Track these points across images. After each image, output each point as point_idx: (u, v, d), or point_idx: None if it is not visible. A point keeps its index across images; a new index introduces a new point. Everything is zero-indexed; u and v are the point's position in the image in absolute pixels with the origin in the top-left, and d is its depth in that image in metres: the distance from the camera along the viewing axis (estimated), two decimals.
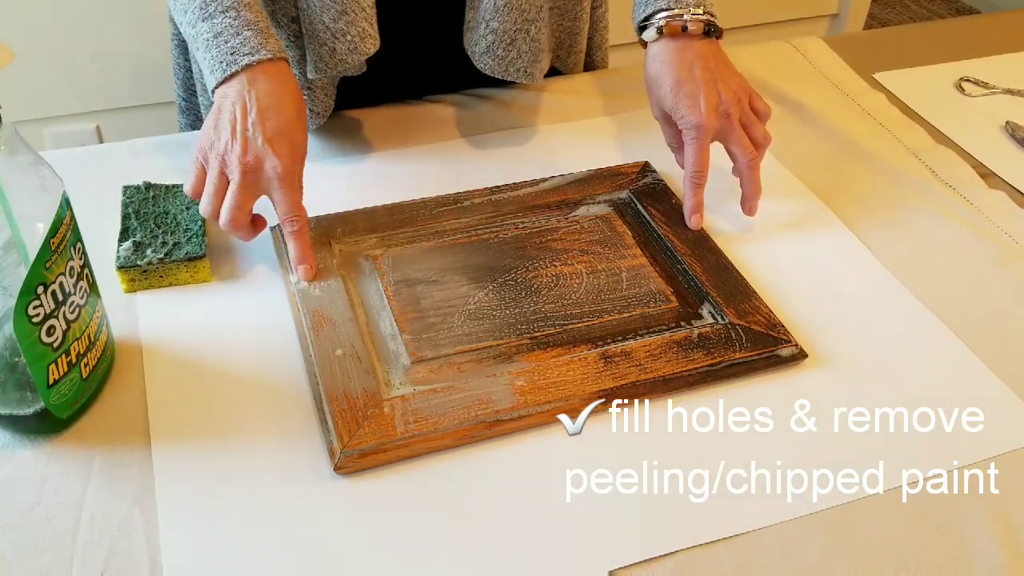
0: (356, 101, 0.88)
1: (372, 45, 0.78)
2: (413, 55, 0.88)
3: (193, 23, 0.70)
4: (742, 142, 0.75)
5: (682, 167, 0.76)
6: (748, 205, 0.76)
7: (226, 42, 0.68)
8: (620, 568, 0.52)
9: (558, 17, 0.90)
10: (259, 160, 0.65)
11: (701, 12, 0.78)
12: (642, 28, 0.81)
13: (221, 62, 0.68)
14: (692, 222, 0.74)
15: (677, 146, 0.78)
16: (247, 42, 0.68)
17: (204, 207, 0.66)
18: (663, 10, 0.78)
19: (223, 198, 0.65)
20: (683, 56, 0.77)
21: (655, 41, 0.79)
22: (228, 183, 0.66)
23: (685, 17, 0.77)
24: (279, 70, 0.69)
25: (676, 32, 0.78)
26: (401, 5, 0.82)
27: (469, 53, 0.83)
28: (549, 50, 0.87)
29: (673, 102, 0.76)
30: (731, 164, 0.76)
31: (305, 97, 0.79)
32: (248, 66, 0.67)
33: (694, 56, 0.77)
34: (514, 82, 0.85)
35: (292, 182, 0.66)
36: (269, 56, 0.68)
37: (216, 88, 0.68)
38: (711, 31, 0.78)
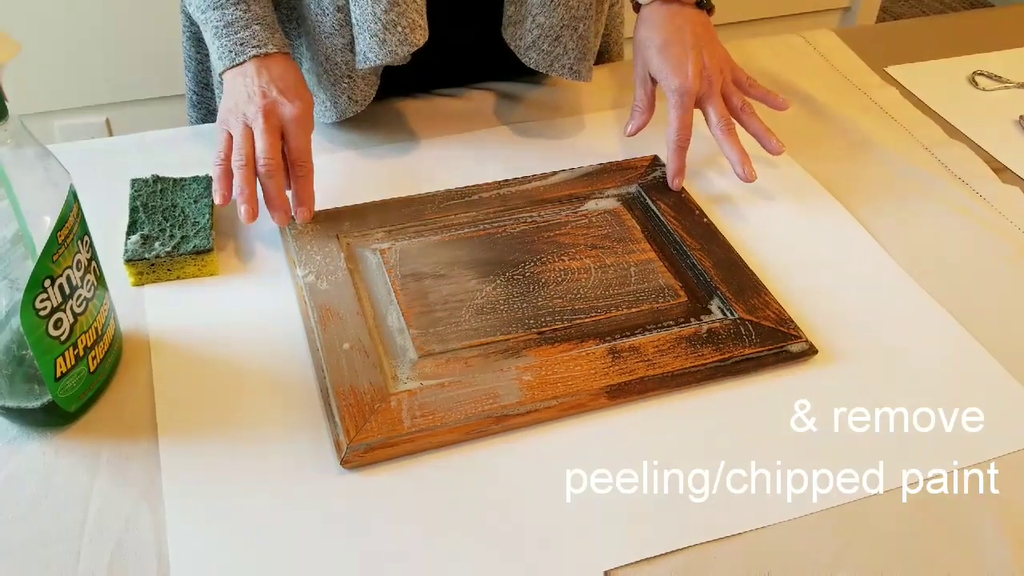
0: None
1: (422, 36, 0.78)
2: (453, 45, 0.88)
3: (203, 9, 0.75)
4: (719, 107, 0.77)
5: (631, 131, 0.80)
6: (738, 171, 0.76)
7: (236, 33, 0.74)
8: (617, 568, 0.51)
9: (610, 20, 0.92)
10: (275, 103, 0.71)
11: None
12: None
13: (230, 51, 0.74)
14: (674, 184, 0.76)
15: (645, 108, 0.80)
16: (256, 35, 0.74)
17: (236, 157, 0.69)
18: None
19: (252, 145, 0.69)
20: (673, 21, 0.80)
21: (648, 4, 0.82)
22: (252, 134, 0.70)
23: None
24: (286, 61, 0.75)
25: None
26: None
27: (513, 47, 0.84)
28: (596, 49, 0.88)
29: (659, 63, 0.78)
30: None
31: (346, 86, 0.81)
32: (255, 56, 0.73)
33: (684, 21, 0.79)
34: (534, 78, 0.85)
35: (304, 125, 0.71)
36: (275, 50, 0.74)
37: (224, 72, 0.74)
38: (703, 3, 0.81)
